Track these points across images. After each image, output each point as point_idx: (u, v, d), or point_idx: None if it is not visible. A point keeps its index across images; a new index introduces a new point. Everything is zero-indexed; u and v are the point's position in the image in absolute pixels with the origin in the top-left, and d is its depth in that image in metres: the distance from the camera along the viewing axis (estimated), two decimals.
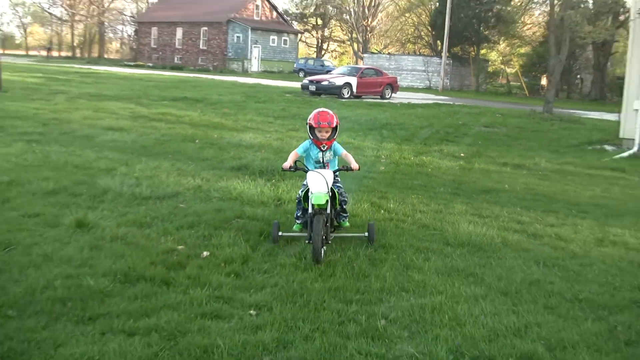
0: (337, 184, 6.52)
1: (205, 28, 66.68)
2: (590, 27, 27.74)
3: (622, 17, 41.93)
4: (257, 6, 67.68)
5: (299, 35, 74.89)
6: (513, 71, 57.48)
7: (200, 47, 67.23)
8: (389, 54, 58.47)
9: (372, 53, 59.60)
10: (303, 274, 5.50)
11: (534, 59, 52.37)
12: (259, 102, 24.25)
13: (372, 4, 70.62)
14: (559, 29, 29.75)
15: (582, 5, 33.06)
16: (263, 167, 10.12)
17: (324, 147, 6.38)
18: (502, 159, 13.51)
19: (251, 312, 4.69)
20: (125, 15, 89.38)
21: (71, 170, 9.33)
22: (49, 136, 12.40)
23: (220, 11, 65.67)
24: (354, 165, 6.35)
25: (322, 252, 5.77)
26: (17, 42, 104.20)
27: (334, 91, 30.79)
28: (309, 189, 6.04)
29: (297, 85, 36.63)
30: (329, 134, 6.36)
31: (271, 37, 66.70)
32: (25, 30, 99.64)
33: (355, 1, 69.49)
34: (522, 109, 28.94)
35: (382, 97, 32.69)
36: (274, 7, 70.74)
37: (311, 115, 6.36)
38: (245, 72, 59.18)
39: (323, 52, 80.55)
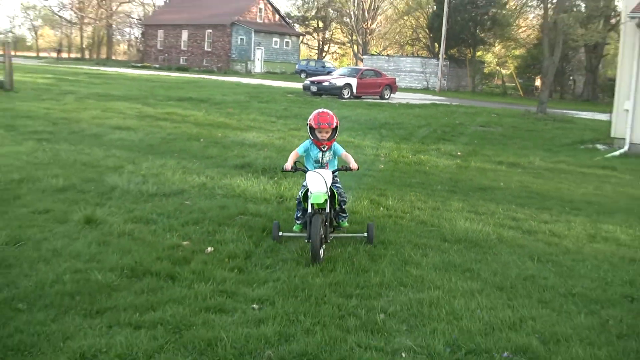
0: (337, 185, 6.39)
1: (210, 30, 66.61)
2: (583, 30, 27.69)
3: (613, 21, 41.87)
4: (260, 9, 67.59)
5: (301, 37, 74.78)
6: (508, 72, 57.39)
7: (205, 48, 67.16)
8: (388, 55, 58.35)
9: (372, 55, 59.49)
10: (304, 269, 5.48)
11: (528, 61, 52.31)
12: (261, 102, 24.21)
13: (372, 7, 70.52)
14: (553, 32, 29.70)
15: (575, 9, 33.05)
16: (266, 165, 10.10)
17: (324, 147, 6.28)
18: (497, 157, 13.48)
19: (254, 306, 4.68)
20: (132, 18, 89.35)
21: (80, 168, 9.32)
22: (58, 135, 12.38)
23: (225, 14, 65.60)
24: (353, 165, 6.23)
25: (321, 251, 5.69)
26: (28, 44, 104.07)
27: (334, 92, 30.74)
28: (308, 189, 5.95)
29: (298, 86, 36.58)
30: (329, 134, 6.24)
31: (274, 39, 66.63)
32: (36, 33, 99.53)
33: (355, 4, 69.40)
34: (517, 109, 28.89)
35: (381, 98, 32.64)
36: (276, 10, 70.64)
37: (311, 116, 6.24)
38: (248, 73, 59.11)
39: (324, 53, 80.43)
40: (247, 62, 63.29)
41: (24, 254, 5.45)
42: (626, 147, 15.80)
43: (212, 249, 5.90)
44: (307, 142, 6.35)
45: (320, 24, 77.58)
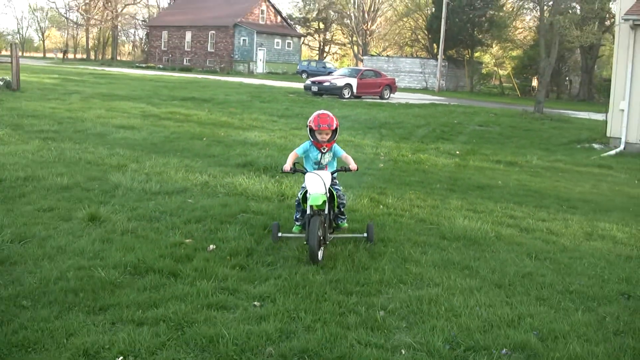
0: (336, 187, 6.25)
1: (213, 32, 66.56)
2: (578, 31, 27.61)
3: (608, 23, 41.88)
4: (262, 11, 67.53)
5: (302, 38, 74.71)
6: (505, 73, 57.33)
7: (208, 49, 67.11)
8: (387, 56, 58.30)
9: (372, 55, 59.43)
10: (305, 267, 5.44)
11: (525, 62, 52.20)
12: (263, 102, 24.17)
13: (372, 9, 70.48)
14: (549, 33, 29.67)
15: (570, 11, 32.96)
16: (267, 164, 10.06)
17: (324, 149, 6.14)
18: (495, 156, 13.44)
19: (255, 303, 4.64)
20: (137, 19, 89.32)
21: (84, 166, 9.29)
22: (63, 134, 12.35)
23: (227, 16, 65.56)
24: (353, 165, 6.08)
25: (320, 253, 5.58)
26: (35, 45, 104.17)
27: (335, 92, 30.71)
28: (307, 190, 5.83)
29: (300, 86, 36.56)
30: (329, 136, 6.09)
31: (275, 40, 66.57)
32: (42, 34, 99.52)
33: (356, 6, 69.34)
34: (514, 109, 28.85)
35: (381, 98, 32.60)
36: (278, 12, 70.59)
37: (311, 118, 6.10)
38: (250, 74, 59.06)
39: (325, 54, 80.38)
40: (250, 62, 63.25)
41: (28, 251, 5.42)
42: (622, 147, 15.78)
43: (214, 246, 5.86)
44: (306, 144, 6.22)
45: (321, 26, 77.51)
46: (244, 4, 66.82)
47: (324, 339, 4.11)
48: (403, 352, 4.04)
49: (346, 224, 6.56)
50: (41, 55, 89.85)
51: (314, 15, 75.85)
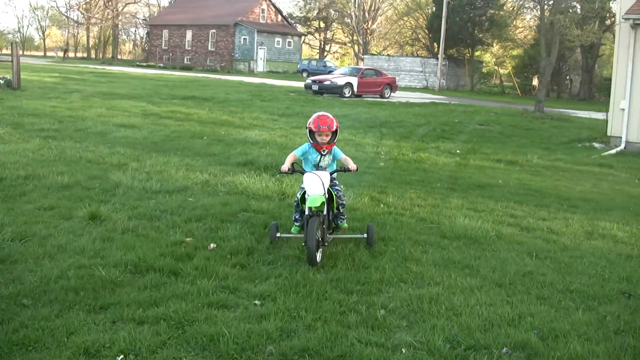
0: (336, 187, 6.15)
1: (214, 30, 66.55)
2: (579, 30, 27.59)
3: (608, 22, 41.84)
4: (262, 10, 67.52)
5: (303, 37, 74.68)
6: (506, 72, 57.26)
7: (209, 48, 67.10)
8: (388, 55, 58.29)
9: (372, 54, 59.41)
10: (306, 266, 5.43)
11: (525, 61, 52.17)
12: (264, 100, 24.16)
13: (372, 8, 70.44)
14: (549, 33, 29.64)
15: (571, 10, 32.95)
16: (268, 163, 10.05)
17: (324, 151, 6.01)
18: (496, 155, 13.43)
19: (256, 302, 4.64)
20: (137, 18, 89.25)
21: (85, 165, 9.28)
22: (64, 132, 12.34)
23: (228, 15, 65.55)
24: (352, 166, 5.95)
25: (318, 255, 5.51)
26: (36, 43, 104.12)
27: (335, 90, 30.70)
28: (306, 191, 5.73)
29: (300, 84, 36.54)
30: (329, 137, 5.97)
31: (276, 39, 66.55)
32: (43, 33, 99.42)
33: (356, 5, 69.31)
34: (515, 108, 28.84)
35: (382, 97, 32.59)
36: (278, 11, 70.57)
37: (311, 120, 5.96)
38: (251, 72, 59.04)
39: (325, 53, 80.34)
40: (250, 61, 63.24)
41: (29, 250, 5.41)
42: (622, 146, 15.77)
43: (215, 245, 5.86)
44: (305, 146, 6.11)
45: (322, 25, 77.46)
46: (244, 3, 66.81)
47: (324, 337, 4.10)
48: (403, 351, 4.03)
49: (346, 224, 6.43)
50: (42, 54, 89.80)
51: (315, 14, 75.82)
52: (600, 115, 22.78)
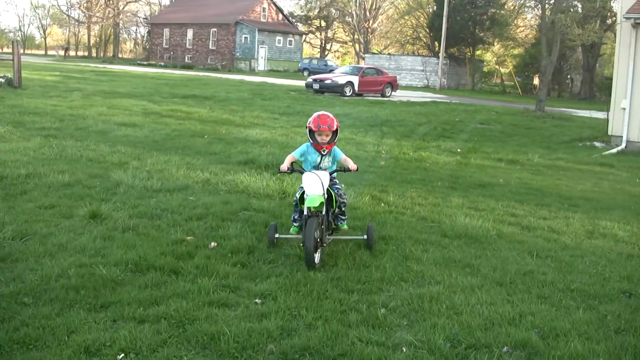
0: (336, 186, 6.03)
1: (215, 29, 66.54)
2: (580, 30, 27.56)
3: (609, 21, 41.80)
4: (263, 9, 67.50)
5: (304, 36, 74.63)
6: (507, 71, 57.27)
7: (210, 47, 67.08)
8: (389, 54, 58.27)
9: (373, 53, 59.40)
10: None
11: (526, 60, 52.18)
12: (265, 99, 24.16)
13: (373, 7, 70.36)
14: (550, 32, 29.62)
15: (572, 10, 32.93)
16: (269, 162, 10.05)
17: (324, 151, 5.90)
18: (497, 154, 13.43)
19: (256, 300, 4.64)
20: (138, 17, 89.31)
21: (86, 163, 9.28)
22: (65, 131, 12.34)
23: (229, 13, 65.53)
24: (352, 165, 5.84)
25: (317, 256, 5.42)
26: (37, 42, 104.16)
27: (336, 89, 30.69)
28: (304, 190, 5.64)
29: (301, 83, 36.52)
30: (329, 137, 5.87)
31: (277, 38, 66.54)
32: (44, 31, 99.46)
33: (357, 4, 69.23)
34: (516, 107, 28.83)
35: (383, 95, 32.59)
36: (279, 10, 70.55)
37: (311, 119, 5.86)
38: (252, 71, 59.06)
39: (326, 52, 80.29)
40: (251, 60, 63.23)
41: (29, 249, 5.41)
42: (623, 145, 15.77)
43: (216, 244, 5.86)
44: (304, 146, 6.00)
45: (323, 23, 77.42)
46: (245, 2, 66.80)
47: (325, 336, 4.10)
48: (404, 349, 4.03)
49: (346, 226, 6.30)
50: (43, 52, 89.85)
51: (316, 13, 75.76)
52: (601, 115, 22.76)
